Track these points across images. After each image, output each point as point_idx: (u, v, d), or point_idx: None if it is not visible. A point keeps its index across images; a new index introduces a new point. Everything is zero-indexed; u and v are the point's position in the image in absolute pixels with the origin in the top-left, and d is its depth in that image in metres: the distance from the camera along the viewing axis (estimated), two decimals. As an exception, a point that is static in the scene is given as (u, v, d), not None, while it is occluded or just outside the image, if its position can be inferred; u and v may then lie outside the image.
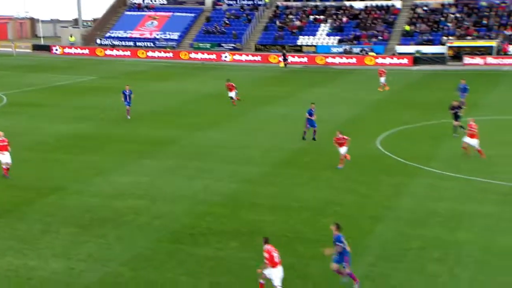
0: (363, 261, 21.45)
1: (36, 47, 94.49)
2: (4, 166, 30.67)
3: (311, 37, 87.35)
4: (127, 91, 44.11)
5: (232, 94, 49.65)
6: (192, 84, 62.16)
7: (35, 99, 52.83)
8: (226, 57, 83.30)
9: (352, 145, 36.34)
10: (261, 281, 18.53)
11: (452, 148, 36.48)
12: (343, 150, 31.95)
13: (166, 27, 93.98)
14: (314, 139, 37.91)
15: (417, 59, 78.75)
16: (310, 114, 37.84)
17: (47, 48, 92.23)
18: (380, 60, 78.78)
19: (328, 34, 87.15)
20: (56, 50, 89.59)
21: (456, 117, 38.18)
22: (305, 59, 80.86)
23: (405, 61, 78.44)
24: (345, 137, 31.75)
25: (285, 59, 78.58)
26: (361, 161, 33.52)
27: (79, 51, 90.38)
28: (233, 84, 49.71)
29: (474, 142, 33.53)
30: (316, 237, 23.52)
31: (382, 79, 56.96)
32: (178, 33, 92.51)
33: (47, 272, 20.65)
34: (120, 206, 26.76)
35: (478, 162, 33.35)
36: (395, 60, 78.83)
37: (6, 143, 30.79)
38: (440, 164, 33.10)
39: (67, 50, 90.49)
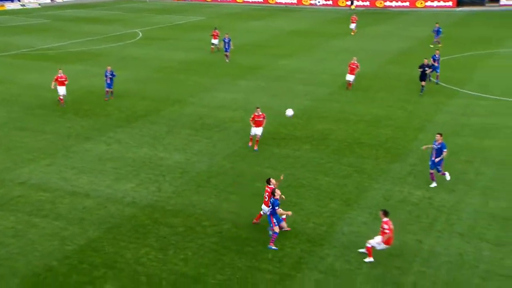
0: (407, 162, 21.06)
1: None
2: (61, 97, 28.54)
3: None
4: (227, 38, 39.33)
5: (215, 41, 42.75)
6: (276, 23, 60.81)
7: (161, 34, 53.35)
8: (318, 2, 79.59)
9: (402, 71, 34.99)
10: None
11: (484, 75, 34.38)
12: (258, 131, 22.13)
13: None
14: (437, 83, 31.84)
15: (460, 1, 73.19)
16: (434, 59, 31.83)
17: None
18: (428, 3, 73.81)
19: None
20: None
21: (423, 76, 29.97)
22: (367, 3, 76.89)
23: (449, 3, 73.14)
24: (263, 114, 22.14)
25: (352, 3, 75.39)
26: (410, 85, 32.24)
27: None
28: (218, 33, 42.95)
29: (351, 77, 30.86)
30: (371, 142, 23.20)
31: (353, 25, 51.63)
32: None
33: (171, 161, 21.52)
34: (222, 115, 27.17)
35: (506, 86, 31.39)
36: (441, 3, 73.62)
37: (64, 79, 28.32)
38: (474, 87, 31.36)
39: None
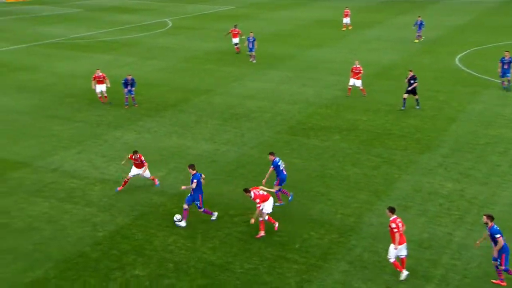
0: (438, 153, 20.68)
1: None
2: (99, 95, 27.63)
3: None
4: (251, 37, 35.63)
5: (236, 40, 38.46)
6: (304, 12, 60.27)
7: (191, 23, 53.51)
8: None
9: (434, 61, 34.26)
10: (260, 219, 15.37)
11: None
12: (136, 171, 18.17)
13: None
14: (509, 89, 28.26)
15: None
16: (503, 62, 28.13)
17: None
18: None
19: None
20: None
21: (411, 88, 25.42)
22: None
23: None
24: (142, 159, 18.10)
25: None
26: (442, 74, 31.59)
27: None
28: (239, 31, 38.42)
29: (358, 83, 27.73)
30: (400, 133, 22.86)
31: (346, 20, 47.07)
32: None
33: (199, 150, 21.65)
34: (251, 105, 27.15)
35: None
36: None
37: (102, 78, 27.16)
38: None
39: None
